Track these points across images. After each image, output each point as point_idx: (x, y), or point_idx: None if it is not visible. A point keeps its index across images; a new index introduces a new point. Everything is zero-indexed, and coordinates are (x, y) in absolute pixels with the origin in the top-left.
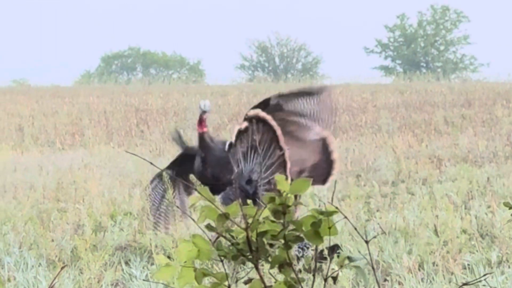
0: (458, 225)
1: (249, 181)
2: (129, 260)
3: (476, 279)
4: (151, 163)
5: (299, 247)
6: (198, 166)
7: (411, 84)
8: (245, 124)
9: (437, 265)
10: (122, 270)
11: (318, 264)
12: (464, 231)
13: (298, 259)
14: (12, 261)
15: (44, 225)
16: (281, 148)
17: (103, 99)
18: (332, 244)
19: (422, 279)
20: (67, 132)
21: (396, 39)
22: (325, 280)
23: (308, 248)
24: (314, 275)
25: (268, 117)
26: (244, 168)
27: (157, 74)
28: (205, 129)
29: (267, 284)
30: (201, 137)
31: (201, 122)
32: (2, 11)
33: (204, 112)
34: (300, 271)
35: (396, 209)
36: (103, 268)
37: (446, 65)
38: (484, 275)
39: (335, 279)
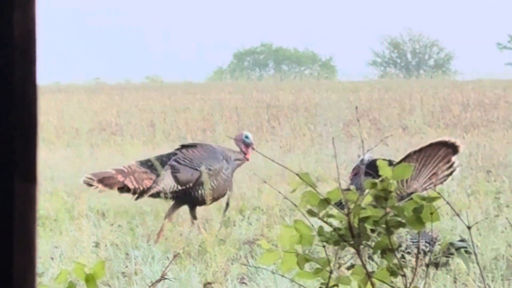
0: None
1: None
2: (256, 254)
3: None
4: (278, 163)
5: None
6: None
7: None
8: None
9: None
10: (249, 263)
11: (445, 259)
12: None
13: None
14: (140, 254)
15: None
16: None
17: (235, 96)
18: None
19: None
20: (198, 128)
21: None
22: (427, 266)
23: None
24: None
25: None
26: None
27: (289, 70)
28: None
29: (369, 270)
30: None
31: None
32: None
33: None
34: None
35: None
36: (229, 262)
37: None
38: None
39: (437, 265)
